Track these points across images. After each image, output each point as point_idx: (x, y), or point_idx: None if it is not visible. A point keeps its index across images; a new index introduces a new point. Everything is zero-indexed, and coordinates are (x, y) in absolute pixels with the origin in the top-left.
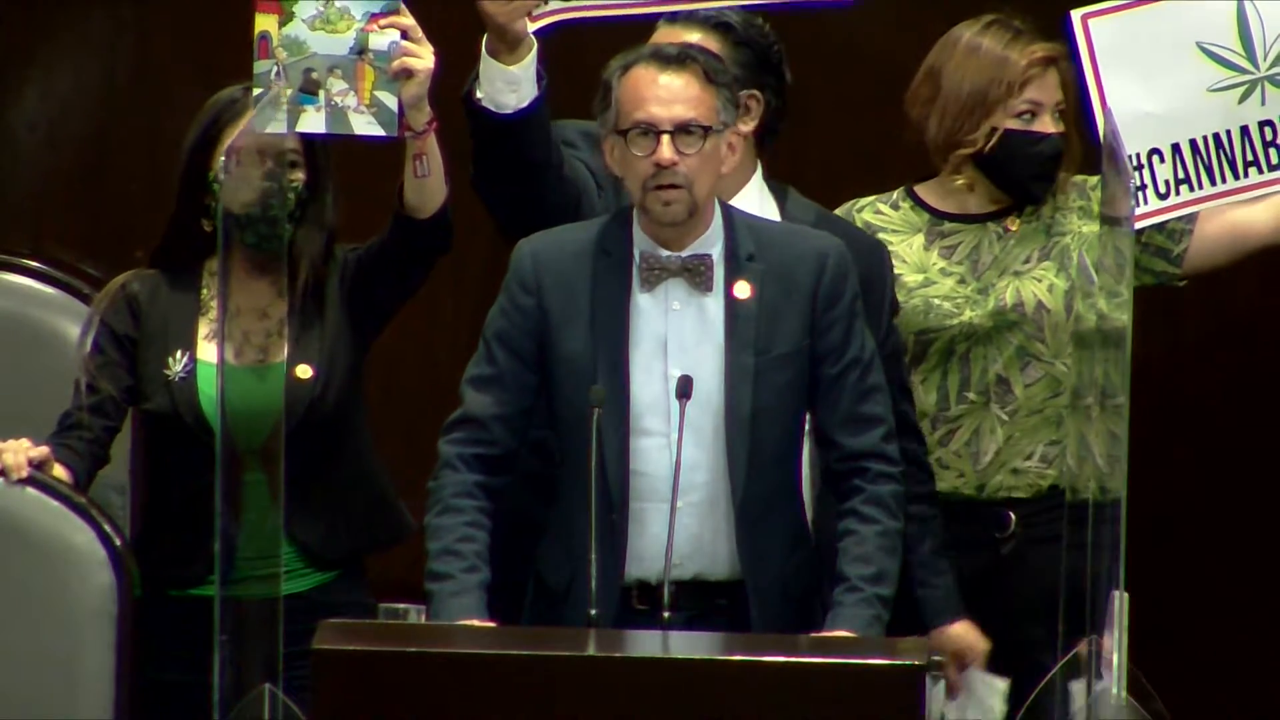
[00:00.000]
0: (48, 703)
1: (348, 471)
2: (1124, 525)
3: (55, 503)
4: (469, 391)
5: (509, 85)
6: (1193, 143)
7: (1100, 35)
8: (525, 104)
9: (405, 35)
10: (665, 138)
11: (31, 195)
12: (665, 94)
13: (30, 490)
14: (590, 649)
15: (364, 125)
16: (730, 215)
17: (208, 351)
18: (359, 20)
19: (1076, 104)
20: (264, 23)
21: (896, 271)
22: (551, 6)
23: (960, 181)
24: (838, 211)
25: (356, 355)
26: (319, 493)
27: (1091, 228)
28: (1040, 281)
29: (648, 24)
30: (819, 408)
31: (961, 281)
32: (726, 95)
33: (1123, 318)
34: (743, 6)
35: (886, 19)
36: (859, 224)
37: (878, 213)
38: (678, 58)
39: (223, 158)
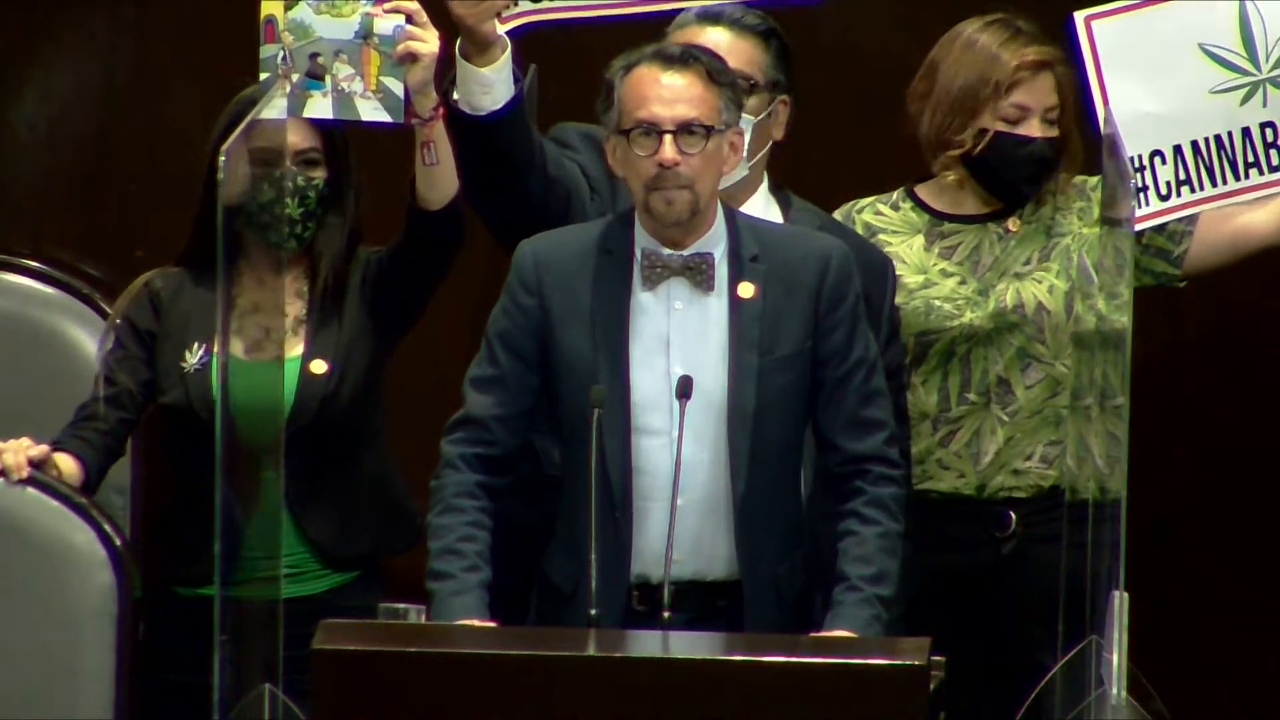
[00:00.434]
0: (48, 703)
1: (363, 472)
2: (1124, 525)
3: (55, 503)
4: (471, 392)
5: (482, 88)
6: (1194, 144)
7: (1103, 37)
8: (500, 106)
9: (410, 20)
10: (668, 138)
11: (31, 195)
12: (668, 94)
13: (30, 490)
14: (590, 649)
15: (370, 111)
16: (733, 216)
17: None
18: (364, 4)
19: (1077, 105)
20: (270, 7)
21: (897, 272)
22: (521, 8)
23: (951, 178)
24: (837, 213)
25: (375, 356)
26: (332, 492)
27: (1092, 229)
28: (1040, 283)
29: (652, 24)
30: (821, 411)
31: (962, 283)
32: (729, 95)
33: (1123, 318)
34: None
35: (886, 19)
36: (859, 225)
37: (877, 213)
38: (680, 57)
39: (223, 157)
